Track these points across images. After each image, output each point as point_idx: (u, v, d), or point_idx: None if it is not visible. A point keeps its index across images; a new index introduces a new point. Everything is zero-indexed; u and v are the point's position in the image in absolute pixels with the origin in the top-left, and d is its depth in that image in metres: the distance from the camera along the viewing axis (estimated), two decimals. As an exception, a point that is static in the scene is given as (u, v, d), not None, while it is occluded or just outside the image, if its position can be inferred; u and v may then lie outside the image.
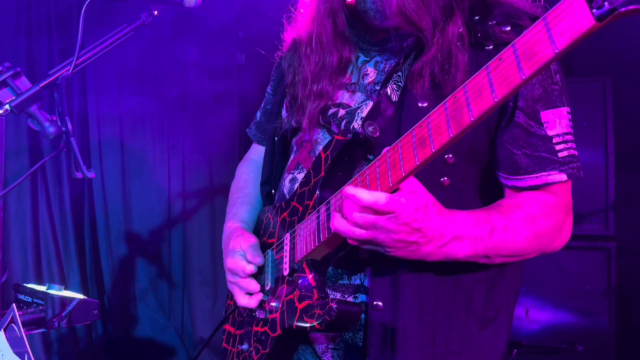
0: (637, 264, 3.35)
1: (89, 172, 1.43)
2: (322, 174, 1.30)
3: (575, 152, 1.24)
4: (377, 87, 1.34)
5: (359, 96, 1.37)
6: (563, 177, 1.22)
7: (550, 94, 1.22)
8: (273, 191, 1.56)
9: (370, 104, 1.33)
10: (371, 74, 1.38)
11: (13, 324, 1.24)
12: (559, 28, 0.77)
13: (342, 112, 1.38)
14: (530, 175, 1.22)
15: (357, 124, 1.33)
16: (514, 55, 0.84)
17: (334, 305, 1.17)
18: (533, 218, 1.21)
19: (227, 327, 1.57)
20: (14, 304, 1.26)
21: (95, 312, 1.66)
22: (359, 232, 1.09)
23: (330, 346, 1.35)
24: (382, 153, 1.09)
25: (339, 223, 1.12)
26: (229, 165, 4.21)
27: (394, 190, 1.07)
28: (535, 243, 1.22)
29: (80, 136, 3.78)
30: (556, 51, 0.78)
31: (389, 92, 1.28)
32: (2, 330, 1.25)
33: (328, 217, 1.21)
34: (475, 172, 1.29)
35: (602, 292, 3.17)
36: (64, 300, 1.61)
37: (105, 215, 3.89)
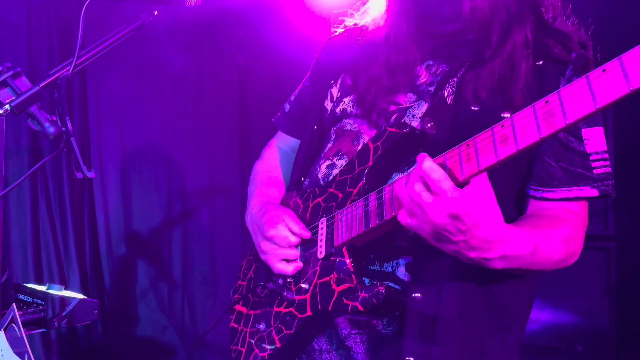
0: (637, 264, 3.35)
1: (89, 172, 1.43)
2: (370, 163, 1.30)
3: (610, 170, 1.27)
4: (431, 89, 1.35)
5: (410, 96, 1.39)
6: (595, 192, 1.26)
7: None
8: (303, 178, 1.56)
9: (423, 103, 1.35)
10: (423, 75, 1.39)
11: (13, 324, 1.24)
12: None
13: (392, 107, 1.39)
14: (563, 188, 1.26)
15: (407, 119, 1.34)
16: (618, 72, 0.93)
17: (382, 290, 1.17)
18: (568, 239, 1.24)
19: (238, 307, 1.58)
20: (14, 304, 1.26)
21: (95, 312, 1.67)
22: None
23: (353, 331, 1.34)
24: (454, 148, 1.08)
25: (399, 188, 1.12)
26: (228, 165, 4.21)
27: (462, 185, 1.05)
28: (562, 263, 1.25)
29: (80, 136, 3.78)
30: (631, 88, 0.88)
31: (445, 94, 1.30)
32: (2, 330, 1.25)
33: (379, 205, 1.20)
34: (504, 183, 1.27)
35: (602, 292, 3.16)
36: (64, 300, 1.62)
37: (105, 215, 3.89)
